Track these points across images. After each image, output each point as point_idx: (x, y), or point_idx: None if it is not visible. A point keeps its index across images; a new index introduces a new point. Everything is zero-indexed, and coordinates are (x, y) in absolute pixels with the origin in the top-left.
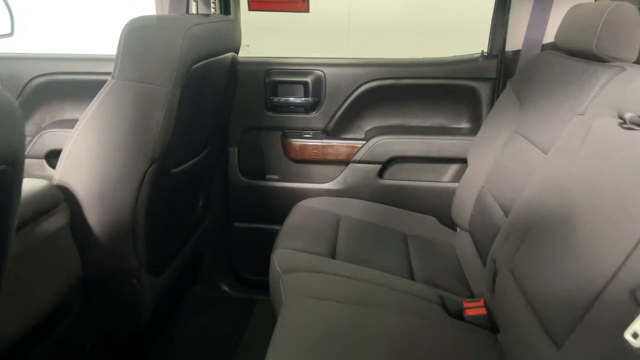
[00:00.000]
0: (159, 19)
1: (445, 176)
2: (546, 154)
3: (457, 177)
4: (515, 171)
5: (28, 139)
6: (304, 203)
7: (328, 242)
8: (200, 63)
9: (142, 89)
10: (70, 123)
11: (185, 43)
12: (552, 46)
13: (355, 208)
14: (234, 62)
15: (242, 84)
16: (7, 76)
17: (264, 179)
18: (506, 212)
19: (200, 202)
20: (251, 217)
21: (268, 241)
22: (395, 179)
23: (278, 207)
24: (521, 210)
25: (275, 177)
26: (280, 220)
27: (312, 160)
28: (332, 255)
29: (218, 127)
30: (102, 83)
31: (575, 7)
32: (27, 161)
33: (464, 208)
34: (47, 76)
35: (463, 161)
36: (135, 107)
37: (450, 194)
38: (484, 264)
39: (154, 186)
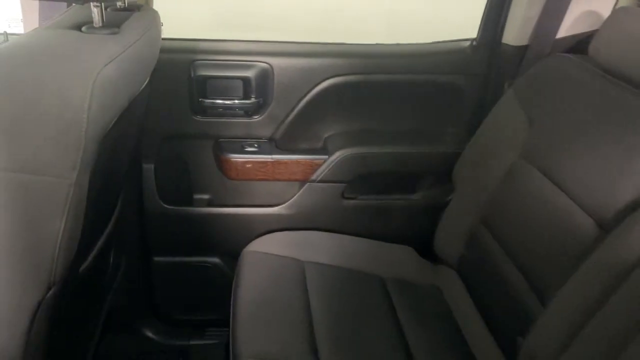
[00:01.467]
0: (42, 58)
1: (422, 193)
2: (598, 224)
3: (436, 195)
4: (534, 219)
5: None
6: (253, 247)
7: (302, 326)
8: (119, 116)
9: (24, 184)
10: None
11: (95, 101)
12: (567, 46)
13: (318, 246)
14: None
15: (158, 79)
16: None
17: (190, 203)
18: (525, 273)
19: (112, 257)
20: (177, 249)
21: (199, 275)
22: (363, 198)
23: (211, 237)
24: (574, 303)
25: (206, 197)
26: (214, 250)
27: (257, 179)
28: (313, 350)
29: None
30: None
31: (624, 12)
32: None
33: (450, 242)
34: None
35: (445, 175)
36: (14, 214)
37: (428, 216)
38: (490, 329)
39: (53, 314)
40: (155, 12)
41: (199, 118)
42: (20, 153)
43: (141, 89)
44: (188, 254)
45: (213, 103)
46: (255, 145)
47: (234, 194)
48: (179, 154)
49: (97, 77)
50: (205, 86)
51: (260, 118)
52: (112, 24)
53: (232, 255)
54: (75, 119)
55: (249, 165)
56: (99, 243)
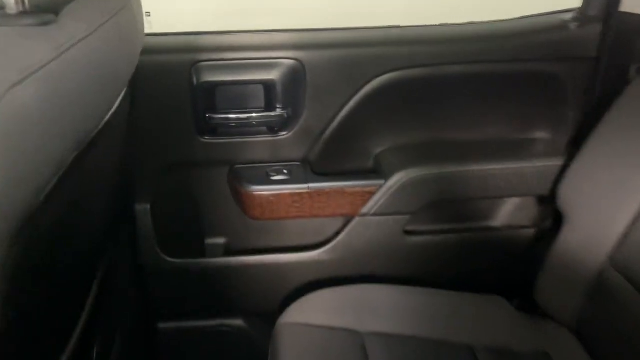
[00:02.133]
0: None
1: (512, 223)
2: None
3: (533, 226)
4: None
5: None
6: (291, 317)
7: None
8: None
9: None
10: None
11: None
12: None
13: (379, 306)
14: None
15: (150, 89)
16: None
17: (202, 253)
18: None
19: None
20: (187, 311)
21: (217, 342)
22: (432, 233)
23: (231, 294)
24: None
25: (222, 242)
26: (235, 310)
27: (289, 217)
28: None
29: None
30: None
31: None
32: None
33: (562, 291)
34: None
35: (543, 199)
36: None
37: (522, 254)
38: None
39: None
40: (136, 4)
41: (207, 139)
42: None
43: (114, 108)
44: (202, 317)
45: (225, 118)
46: (285, 171)
47: (259, 237)
48: (183, 189)
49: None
50: (213, 96)
51: (289, 134)
52: (46, 8)
53: (260, 316)
54: None
55: (278, 200)
56: (79, 327)
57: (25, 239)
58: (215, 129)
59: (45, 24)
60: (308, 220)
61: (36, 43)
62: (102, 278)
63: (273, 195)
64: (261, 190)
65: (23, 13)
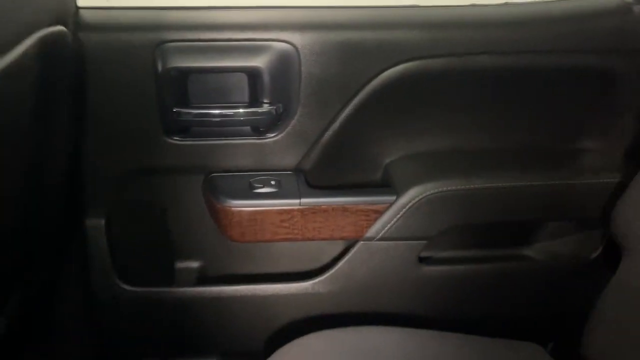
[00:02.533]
0: None
1: (550, 252)
2: None
3: (576, 255)
4: None
5: None
6: None
7: None
8: None
9: None
10: None
11: None
12: None
13: (387, 355)
14: (60, 44)
15: (105, 77)
16: None
17: (171, 282)
18: None
19: None
20: (150, 351)
21: None
22: (455, 261)
23: (206, 330)
24: None
25: (196, 266)
26: (211, 349)
27: (277, 239)
28: None
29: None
30: None
31: None
32: None
33: (616, 341)
34: None
35: (593, 222)
36: None
37: (563, 291)
38: None
39: None
40: None
41: (176, 140)
42: None
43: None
44: (170, 357)
45: (199, 114)
46: (272, 182)
47: (241, 261)
48: (147, 201)
49: None
50: (183, 86)
51: (278, 137)
52: None
53: (241, 356)
54: None
55: (263, 218)
56: None
57: None
58: (186, 128)
59: None
60: (301, 244)
61: None
62: (13, 313)
63: (257, 213)
64: (242, 206)
65: None
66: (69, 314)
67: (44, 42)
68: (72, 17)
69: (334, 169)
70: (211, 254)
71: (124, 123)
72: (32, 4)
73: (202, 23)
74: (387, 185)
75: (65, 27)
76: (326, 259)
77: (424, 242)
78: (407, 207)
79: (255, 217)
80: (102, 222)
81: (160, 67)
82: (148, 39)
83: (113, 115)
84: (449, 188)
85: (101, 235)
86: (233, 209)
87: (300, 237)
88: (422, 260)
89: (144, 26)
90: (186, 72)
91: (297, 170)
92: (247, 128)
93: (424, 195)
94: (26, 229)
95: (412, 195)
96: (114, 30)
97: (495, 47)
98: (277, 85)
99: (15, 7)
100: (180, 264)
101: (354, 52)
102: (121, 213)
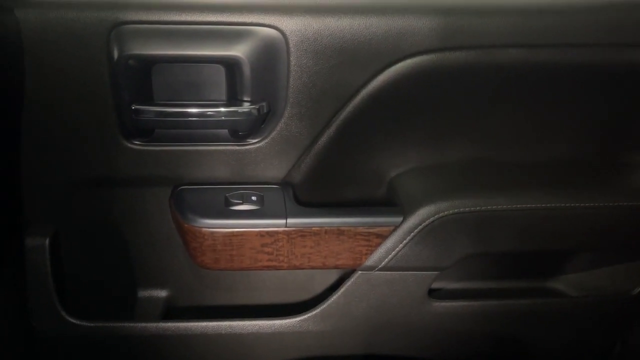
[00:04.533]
0: None
1: (588, 285)
2: None
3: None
4: None
5: None
6: None
7: None
8: None
9: None
10: None
11: None
12: None
13: None
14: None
15: (50, 65)
16: None
17: (130, 315)
18: None
19: None
20: None
21: None
22: (471, 295)
23: None
24: None
25: (163, 296)
26: None
27: (257, 267)
28: None
29: None
30: None
31: None
32: None
33: None
34: None
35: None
36: None
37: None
38: None
39: None
40: None
41: (136, 145)
42: None
43: None
44: None
45: (163, 113)
46: (253, 197)
47: (215, 291)
48: (101, 217)
49: None
50: (145, 79)
51: (262, 143)
52: None
53: None
54: None
55: (240, 241)
56: None
57: None
58: (149, 130)
59: None
60: (287, 272)
61: None
62: None
63: (234, 234)
64: (216, 226)
65: None
66: (5, 352)
67: None
68: None
69: (328, 182)
70: (179, 281)
71: (71, 123)
72: None
73: (170, 1)
74: (391, 204)
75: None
76: (317, 289)
77: (436, 272)
78: (417, 230)
79: (231, 240)
80: (46, 241)
81: (116, 55)
82: (101, 20)
83: (58, 113)
84: (466, 209)
85: (43, 257)
86: (204, 229)
87: (286, 265)
88: (432, 293)
89: (96, 4)
90: (149, 62)
91: (284, 183)
92: (224, 132)
93: (436, 216)
94: None
95: (422, 216)
96: (59, 7)
97: (523, 38)
98: (261, 80)
99: None
100: (143, 293)
101: (355, 42)
102: (68, 231)
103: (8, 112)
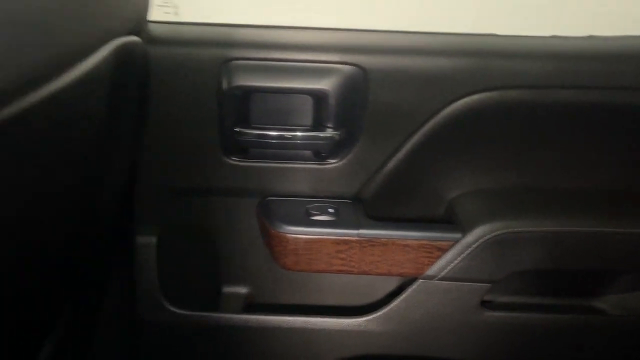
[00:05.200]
0: None
1: (624, 301)
2: None
3: None
4: None
5: None
6: None
7: None
8: None
9: None
10: None
11: None
12: None
13: None
14: (134, 54)
15: (165, 91)
16: None
17: (217, 307)
18: None
19: None
20: None
21: None
22: (523, 308)
23: None
24: None
25: (243, 293)
26: None
27: (331, 271)
28: None
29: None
30: None
31: None
32: None
33: None
34: None
35: None
36: None
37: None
38: None
39: None
40: None
41: (234, 160)
42: None
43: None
44: None
45: (259, 135)
46: (330, 210)
47: (290, 290)
48: (198, 221)
49: None
50: (246, 105)
51: (339, 163)
52: None
53: None
54: None
55: (319, 247)
56: None
57: None
58: (245, 148)
59: None
60: (353, 277)
61: None
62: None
63: (313, 241)
64: (298, 233)
65: None
66: (113, 335)
67: (119, 51)
68: (144, 30)
69: (394, 200)
70: (260, 281)
71: (182, 139)
72: (112, 11)
73: (270, 42)
74: (451, 222)
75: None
76: (379, 294)
77: (488, 285)
78: (473, 246)
79: (311, 245)
80: (154, 240)
81: (224, 85)
82: (215, 56)
83: (172, 131)
84: (519, 229)
85: (151, 253)
86: (289, 235)
87: (357, 270)
88: (484, 304)
89: (212, 42)
90: (250, 91)
91: (356, 199)
92: (308, 152)
93: (492, 234)
94: (77, 244)
95: (479, 233)
96: (182, 44)
97: (577, 81)
98: (342, 110)
99: (96, 13)
100: (227, 289)
101: (426, 79)
102: (172, 232)
103: (135, 130)
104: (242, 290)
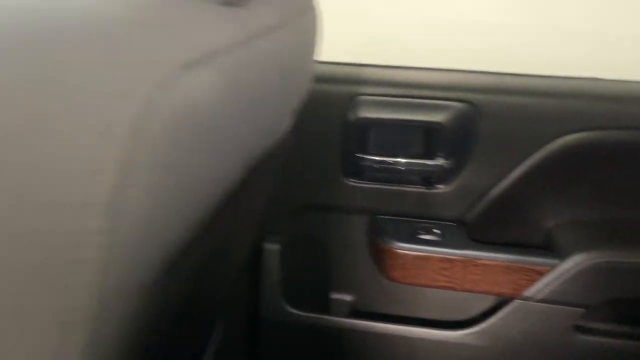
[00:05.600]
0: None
1: None
2: None
3: None
4: None
5: None
6: None
7: None
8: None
9: None
10: None
11: (147, 156)
12: None
13: None
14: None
15: (301, 120)
16: None
17: (325, 308)
18: None
19: None
20: None
21: None
22: (616, 334)
23: None
24: None
25: (348, 300)
26: None
27: (435, 286)
28: None
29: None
30: None
31: None
32: None
33: None
34: None
35: None
36: None
37: None
38: None
39: None
40: (317, 10)
41: (352, 182)
42: None
43: (285, 127)
44: None
45: (377, 161)
46: (436, 230)
47: (391, 301)
48: (316, 233)
49: (157, 96)
50: (367, 135)
51: (446, 189)
52: None
53: None
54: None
55: (425, 263)
56: None
57: (164, 285)
58: (362, 172)
59: (233, 3)
60: (450, 293)
61: (221, 22)
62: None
63: (420, 257)
64: (407, 249)
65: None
66: (236, 330)
67: None
68: None
69: (497, 225)
70: (364, 289)
71: (309, 161)
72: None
73: (394, 80)
74: (549, 248)
75: None
76: (474, 311)
77: (582, 310)
78: (571, 272)
79: (418, 261)
80: (278, 248)
81: (351, 117)
82: (346, 92)
83: (302, 153)
84: (615, 259)
85: (275, 260)
86: (399, 251)
87: (459, 287)
88: (578, 328)
89: (343, 79)
90: (372, 123)
91: (460, 222)
92: (417, 177)
93: (589, 262)
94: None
95: (576, 260)
96: (316, 81)
97: None
98: (453, 141)
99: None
100: (335, 295)
101: (533, 117)
102: (294, 242)
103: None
104: (348, 297)
